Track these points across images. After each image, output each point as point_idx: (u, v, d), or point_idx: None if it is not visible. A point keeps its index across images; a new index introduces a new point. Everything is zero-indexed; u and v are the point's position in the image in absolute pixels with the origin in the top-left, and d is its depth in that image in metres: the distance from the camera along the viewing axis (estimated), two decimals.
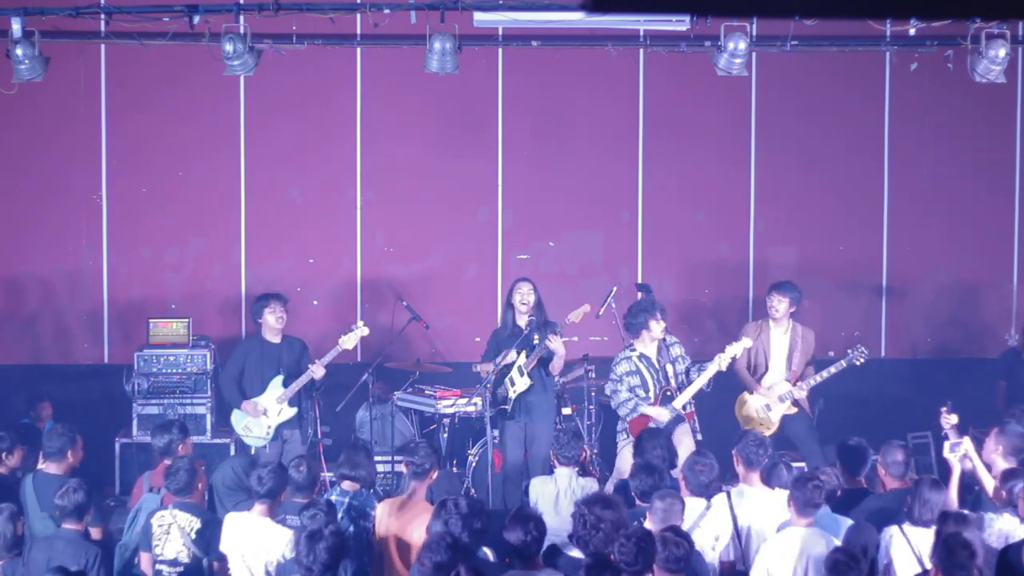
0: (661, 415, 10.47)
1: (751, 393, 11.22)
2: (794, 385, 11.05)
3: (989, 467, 8.92)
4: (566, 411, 11.39)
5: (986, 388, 12.37)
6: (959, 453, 8.97)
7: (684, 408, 10.57)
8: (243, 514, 8.51)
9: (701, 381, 10.52)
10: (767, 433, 10.80)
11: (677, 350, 10.71)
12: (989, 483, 8.82)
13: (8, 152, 12.56)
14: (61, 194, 12.60)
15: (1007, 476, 8.40)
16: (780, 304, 11.20)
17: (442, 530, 7.35)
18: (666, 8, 8.48)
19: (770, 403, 11.11)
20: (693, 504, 8.41)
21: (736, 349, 10.55)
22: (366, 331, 10.92)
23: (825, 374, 11.00)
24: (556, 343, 10.49)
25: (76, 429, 9.36)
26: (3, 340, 12.60)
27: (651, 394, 10.54)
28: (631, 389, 10.56)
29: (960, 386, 12.06)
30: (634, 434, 10.47)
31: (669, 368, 10.60)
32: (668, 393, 10.54)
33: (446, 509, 7.55)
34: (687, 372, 10.66)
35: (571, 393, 11.63)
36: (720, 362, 10.45)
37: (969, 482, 9.01)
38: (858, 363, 10.87)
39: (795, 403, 11.13)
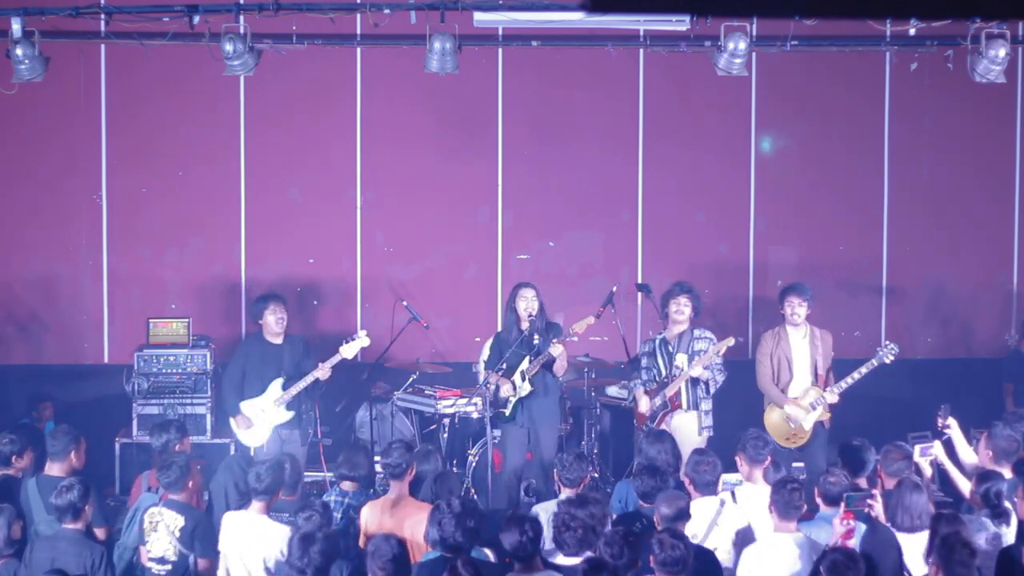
0: (642, 404, 10.55)
1: (780, 407, 10.65)
2: (824, 390, 10.57)
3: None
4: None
5: (986, 388, 12.37)
6: (930, 457, 8.99)
7: (673, 398, 10.49)
8: (241, 512, 8.52)
9: (680, 380, 10.46)
10: (800, 443, 10.65)
11: (701, 344, 10.55)
12: (964, 485, 8.83)
13: (8, 152, 12.56)
14: (61, 194, 12.60)
15: (981, 479, 8.37)
16: (800, 308, 10.67)
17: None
18: (666, 8, 8.49)
19: (800, 412, 10.58)
20: (705, 503, 8.41)
21: (718, 349, 10.40)
22: (367, 342, 10.85)
23: (857, 375, 10.50)
24: (556, 348, 10.49)
25: (78, 430, 9.36)
26: (3, 340, 12.60)
27: (659, 380, 10.59)
28: (638, 369, 10.69)
29: (960, 386, 12.07)
30: (635, 420, 10.62)
31: (680, 357, 10.52)
32: (665, 383, 10.54)
33: (439, 510, 7.54)
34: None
35: (571, 393, 11.63)
36: (695, 365, 10.39)
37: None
38: (888, 360, 10.40)
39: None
